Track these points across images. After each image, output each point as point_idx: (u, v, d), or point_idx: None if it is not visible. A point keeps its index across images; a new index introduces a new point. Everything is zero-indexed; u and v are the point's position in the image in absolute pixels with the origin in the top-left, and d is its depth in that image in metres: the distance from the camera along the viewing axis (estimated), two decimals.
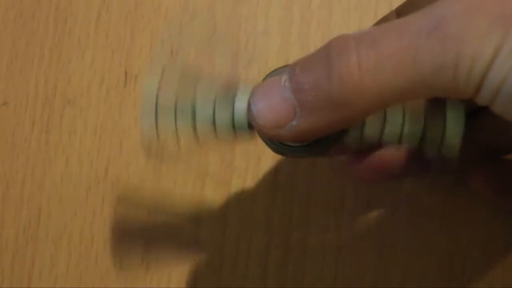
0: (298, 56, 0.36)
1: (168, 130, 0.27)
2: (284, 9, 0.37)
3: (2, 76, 0.40)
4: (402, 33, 0.22)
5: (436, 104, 0.26)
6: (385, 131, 0.26)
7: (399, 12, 0.30)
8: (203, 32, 0.38)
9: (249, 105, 0.25)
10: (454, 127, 0.26)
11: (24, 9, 0.40)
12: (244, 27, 0.38)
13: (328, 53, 0.23)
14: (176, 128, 0.27)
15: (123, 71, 0.38)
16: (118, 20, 0.39)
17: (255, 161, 0.36)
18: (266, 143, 0.27)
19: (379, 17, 0.31)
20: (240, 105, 0.26)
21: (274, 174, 0.36)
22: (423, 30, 0.22)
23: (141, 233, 0.37)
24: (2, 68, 0.40)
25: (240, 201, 0.36)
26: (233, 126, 0.27)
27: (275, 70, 0.26)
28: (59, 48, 0.39)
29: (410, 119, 0.26)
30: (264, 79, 0.26)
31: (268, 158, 0.36)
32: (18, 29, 0.40)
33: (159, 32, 0.38)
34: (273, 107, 0.24)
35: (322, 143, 0.27)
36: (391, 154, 0.31)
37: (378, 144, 0.27)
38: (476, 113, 0.30)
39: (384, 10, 0.35)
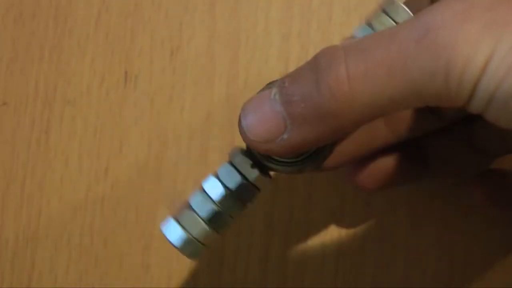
0: (298, 56, 0.37)
1: None
2: (284, 9, 0.37)
3: (2, 76, 0.40)
4: (390, 41, 0.22)
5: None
6: None
7: None
8: (203, 32, 0.38)
9: (239, 119, 0.25)
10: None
11: (24, 9, 0.40)
12: (244, 27, 0.38)
13: (316, 64, 0.23)
14: None
15: (123, 71, 0.38)
16: (118, 20, 0.39)
17: None
18: (260, 160, 0.27)
19: None
20: None
21: (274, 174, 0.36)
22: (411, 38, 0.21)
23: (141, 233, 0.37)
24: (2, 68, 0.40)
25: None
26: None
27: (267, 84, 0.26)
28: (59, 48, 0.39)
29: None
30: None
31: None
32: (18, 29, 0.40)
33: (159, 32, 0.38)
34: (263, 120, 0.24)
35: (314, 157, 0.26)
36: (389, 163, 0.31)
37: None
38: (470, 117, 0.30)
39: None
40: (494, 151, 0.31)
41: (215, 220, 0.27)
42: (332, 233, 0.36)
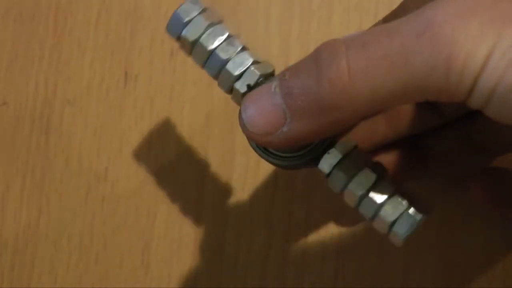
0: (298, 56, 0.37)
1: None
2: (284, 9, 0.37)
3: (2, 76, 0.40)
4: (392, 35, 0.22)
5: (407, 193, 0.26)
6: (348, 187, 0.26)
7: (387, 21, 0.30)
8: None
9: (239, 112, 0.25)
10: (403, 227, 0.25)
11: (24, 9, 0.40)
12: (244, 27, 0.38)
13: (317, 57, 0.23)
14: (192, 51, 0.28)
15: (123, 71, 0.38)
16: (118, 20, 0.39)
17: (255, 161, 0.36)
18: (259, 154, 0.27)
19: (379, 17, 0.31)
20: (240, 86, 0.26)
21: (274, 174, 0.36)
22: (413, 32, 0.22)
23: (141, 233, 0.37)
24: (2, 68, 0.40)
25: (240, 201, 0.36)
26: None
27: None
28: (59, 48, 0.39)
29: (375, 190, 0.26)
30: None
31: None
32: (18, 29, 0.40)
33: (159, 32, 0.38)
34: (263, 113, 0.24)
35: (315, 151, 0.27)
36: (389, 161, 0.31)
37: (340, 196, 0.26)
38: (470, 115, 0.30)
39: (384, 10, 0.35)
40: (494, 149, 0.31)
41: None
42: (332, 233, 0.36)
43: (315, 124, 0.23)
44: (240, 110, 0.25)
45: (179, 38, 0.27)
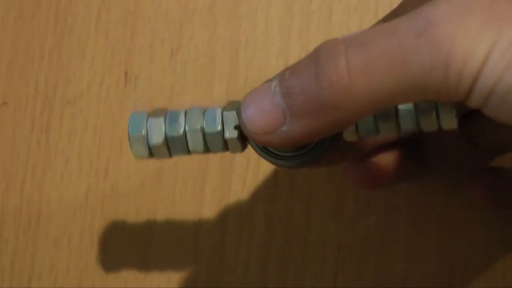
0: (298, 56, 0.37)
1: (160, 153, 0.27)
2: (284, 9, 0.37)
3: (2, 76, 0.40)
4: (391, 35, 0.22)
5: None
6: (380, 122, 0.26)
7: (387, 21, 0.30)
8: (203, 32, 0.38)
9: (239, 112, 0.25)
10: (447, 105, 0.25)
11: (24, 9, 0.40)
12: (244, 27, 0.38)
13: (317, 57, 0.23)
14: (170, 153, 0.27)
15: (123, 71, 0.38)
16: (118, 20, 0.39)
17: (255, 161, 0.36)
18: (259, 153, 0.27)
19: (379, 17, 0.31)
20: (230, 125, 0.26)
21: (274, 174, 0.36)
22: (412, 32, 0.22)
23: (141, 233, 0.37)
24: (2, 68, 0.40)
25: (240, 201, 0.36)
26: (224, 141, 0.26)
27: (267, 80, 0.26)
28: (59, 48, 0.39)
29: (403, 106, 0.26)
30: None
31: None
32: (18, 29, 0.40)
33: (159, 32, 0.38)
34: (263, 112, 0.24)
35: (313, 152, 0.27)
36: (389, 161, 0.31)
37: (377, 135, 0.27)
38: (470, 115, 0.30)
39: (384, 10, 0.35)
40: (494, 149, 0.31)
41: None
42: (332, 233, 0.36)
43: (315, 124, 0.23)
44: (239, 109, 0.25)
45: (151, 151, 0.27)
